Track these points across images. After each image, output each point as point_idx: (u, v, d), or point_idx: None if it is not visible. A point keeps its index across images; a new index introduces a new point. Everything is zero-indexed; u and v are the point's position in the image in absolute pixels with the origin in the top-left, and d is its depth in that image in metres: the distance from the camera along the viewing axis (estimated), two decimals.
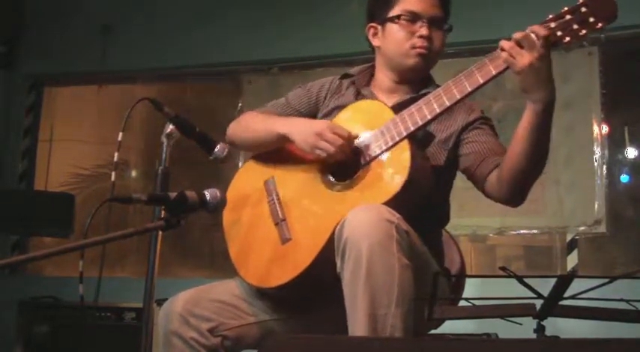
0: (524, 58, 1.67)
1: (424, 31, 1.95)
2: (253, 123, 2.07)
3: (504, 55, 1.72)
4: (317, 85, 2.15)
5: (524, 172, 1.79)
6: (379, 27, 2.04)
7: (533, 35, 1.67)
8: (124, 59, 4.48)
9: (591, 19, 1.68)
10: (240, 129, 2.08)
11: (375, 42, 2.06)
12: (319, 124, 1.91)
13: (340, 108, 2.03)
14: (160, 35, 4.42)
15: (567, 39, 1.70)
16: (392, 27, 2.00)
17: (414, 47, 1.96)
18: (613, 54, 3.79)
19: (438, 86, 1.99)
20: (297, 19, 4.14)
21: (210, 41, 4.33)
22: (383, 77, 2.07)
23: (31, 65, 4.67)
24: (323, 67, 3.95)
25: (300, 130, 1.92)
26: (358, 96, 2.06)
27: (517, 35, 1.70)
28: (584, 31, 1.69)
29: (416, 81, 2.04)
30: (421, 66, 1.99)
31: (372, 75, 2.11)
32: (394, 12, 1.99)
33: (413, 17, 1.97)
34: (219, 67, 4.46)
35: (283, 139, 1.96)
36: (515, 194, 1.85)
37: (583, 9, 1.69)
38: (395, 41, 1.99)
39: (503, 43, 1.72)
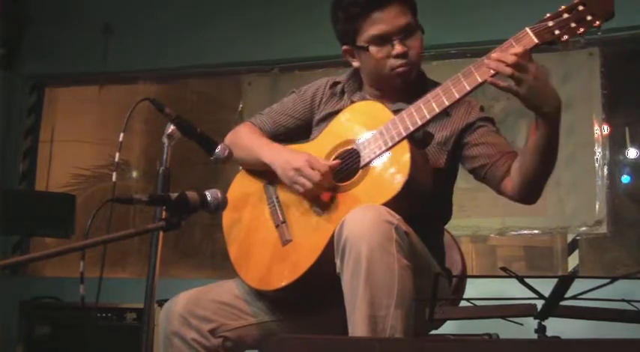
0: (524, 85, 1.66)
1: (399, 49, 1.88)
2: (244, 143, 2.06)
3: (504, 85, 1.69)
4: (312, 88, 2.12)
5: (540, 176, 1.83)
6: (354, 50, 1.99)
7: (515, 59, 1.65)
8: (125, 60, 4.48)
9: (589, 17, 1.69)
10: (233, 144, 2.00)
11: (355, 63, 2.02)
12: (299, 160, 1.88)
13: (335, 114, 2.01)
14: (160, 36, 4.42)
15: (565, 37, 1.70)
16: (365, 54, 1.93)
17: (393, 68, 1.91)
18: (614, 54, 3.79)
19: (434, 83, 1.97)
20: (297, 20, 4.14)
21: (210, 42, 4.32)
22: (371, 90, 2.03)
23: (32, 66, 4.66)
24: (323, 67, 3.94)
25: (282, 164, 1.91)
26: (351, 103, 2.03)
27: (507, 70, 1.66)
28: (582, 29, 1.69)
29: (407, 87, 1.98)
30: (407, 80, 1.94)
31: (362, 79, 2.06)
32: (362, 40, 1.92)
33: (382, 41, 1.89)
34: (219, 68, 4.45)
35: (267, 166, 1.97)
36: (532, 195, 1.88)
37: (580, 7, 1.69)
38: (373, 67, 1.94)
39: (497, 82, 1.70)
